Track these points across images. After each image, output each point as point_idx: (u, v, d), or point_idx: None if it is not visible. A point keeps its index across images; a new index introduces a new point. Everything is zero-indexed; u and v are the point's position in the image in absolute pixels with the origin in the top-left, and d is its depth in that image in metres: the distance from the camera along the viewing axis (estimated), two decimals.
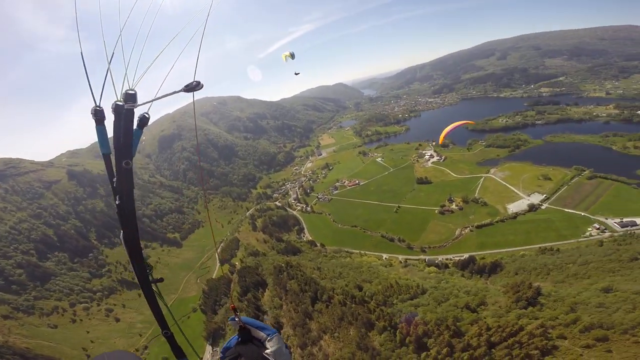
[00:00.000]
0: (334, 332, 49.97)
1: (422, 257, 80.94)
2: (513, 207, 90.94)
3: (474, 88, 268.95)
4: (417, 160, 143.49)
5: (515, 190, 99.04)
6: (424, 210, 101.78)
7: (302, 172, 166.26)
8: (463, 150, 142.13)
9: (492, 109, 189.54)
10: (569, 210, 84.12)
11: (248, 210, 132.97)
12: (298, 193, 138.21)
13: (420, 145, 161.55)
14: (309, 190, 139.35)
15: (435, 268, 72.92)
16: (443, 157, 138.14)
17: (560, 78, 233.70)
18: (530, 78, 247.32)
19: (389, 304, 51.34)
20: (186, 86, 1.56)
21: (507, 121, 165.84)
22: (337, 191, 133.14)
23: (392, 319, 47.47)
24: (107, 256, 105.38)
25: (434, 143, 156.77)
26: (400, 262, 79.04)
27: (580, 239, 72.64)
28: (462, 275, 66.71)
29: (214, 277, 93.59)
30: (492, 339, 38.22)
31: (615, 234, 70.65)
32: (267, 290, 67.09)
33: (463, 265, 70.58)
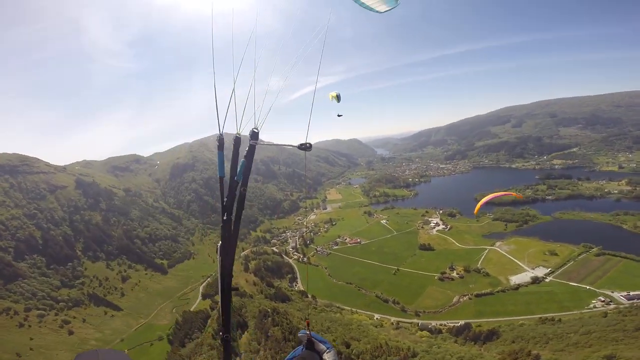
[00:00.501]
0: None
1: (415, 320, 78.23)
2: (516, 279, 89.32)
3: (486, 156, 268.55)
4: (422, 227, 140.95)
5: (520, 264, 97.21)
6: (423, 275, 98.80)
7: (305, 223, 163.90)
8: (470, 221, 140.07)
9: (504, 181, 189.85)
10: (574, 284, 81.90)
11: (244, 251, 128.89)
12: (297, 242, 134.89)
13: (427, 212, 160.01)
14: (308, 242, 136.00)
15: (427, 332, 70.24)
16: (449, 226, 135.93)
17: (574, 149, 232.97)
18: (544, 148, 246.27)
19: None
20: (301, 144, 1.73)
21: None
22: (337, 246, 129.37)
23: None
24: (87, 269, 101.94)
25: (440, 211, 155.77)
26: (392, 323, 76.10)
27: (583, 310, 70.16)
28: (456, 342, 63.35)
29: (192, 309, 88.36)
30: None
31: (621, 306, 67.91)
32: (246, 332, 62.09)
33: (457, 332, 67.41)
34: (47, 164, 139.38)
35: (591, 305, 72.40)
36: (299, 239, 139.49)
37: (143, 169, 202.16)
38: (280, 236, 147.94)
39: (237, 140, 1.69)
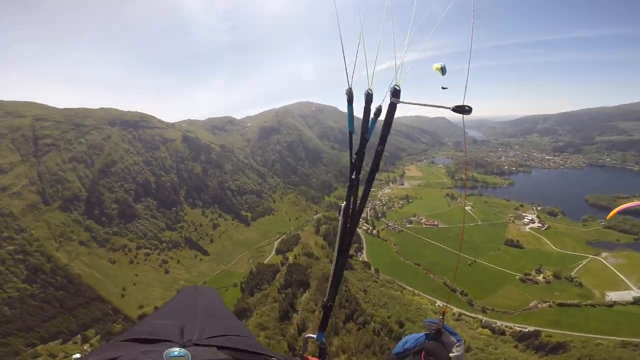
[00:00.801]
0: (353, 357, 47.59)
1: (479, 316, 73.67)
2: (613, 296, 76.69)
3: (609, 154, 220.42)
4: (513, 221, 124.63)
5: (625, 280, 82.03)
6: (502, 272, 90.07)
7: (378, 196, 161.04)
8: (574, 224, 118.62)
9: (628, 185, 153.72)
10: None
11: (317, 214, 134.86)
12: (368, 214, 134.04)
13: (521, 206, 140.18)
14: (380, 215, 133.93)
15: (489, 331, 66.24)
16: (546, 226, 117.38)
17: None
18: None
19: None
20: (457, 106, 1.56)
21: None
22: (410, 225, 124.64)
23: None
24: (186, 214, 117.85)
25: (539, 208, 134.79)
26: (454, 314, 72.48)
27: None
28: (516, 347, 59.50)
29: (265, 262, 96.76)
30: None
31: None
32: (307, 292, 66.62)
33: (522, 337, 63.10)
34: (160, 121, 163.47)
35: None
36: (370, 210, 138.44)
37: (236, 129, 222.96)
38: None
39: (369, 96, 1.61)
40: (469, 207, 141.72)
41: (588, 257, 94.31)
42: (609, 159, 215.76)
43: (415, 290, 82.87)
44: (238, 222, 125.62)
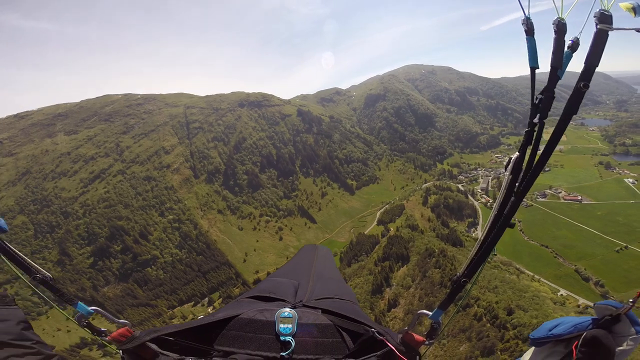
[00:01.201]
0: (445, 339, 45.32)
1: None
2: None
3: None
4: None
5: None
6: None
7: (504, 163, 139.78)
8: None
9: None
10: None
11: (425, 183, 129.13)
12: (490, 184, 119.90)
13: None
14: None
15: None
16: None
17: None
18: None
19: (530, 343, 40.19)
20: None
21: None
22: (544, 199, 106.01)
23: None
24: (300, 183, 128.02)
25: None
26: (578, 306, 61.40)
27: None
28: None
29: (366, 232, 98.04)
30: None
31: None
32: (405, 266, 65.46)
33: None
34: (279, 99, 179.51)
35: None
36: (492, 180, 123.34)
37: (342, 99, 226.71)
38: (470, 173, 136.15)
39: (561, 25, 1.27)
40: (630, 180, 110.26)
41: None
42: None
43: (536, 276, 71.97)
44: (344, 190, 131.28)
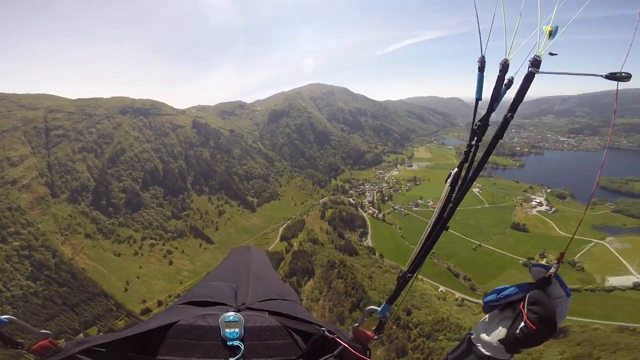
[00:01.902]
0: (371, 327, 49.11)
1: (481, 301, 72.69)
2: (614, 281, 77.21)
3: (626, 137, 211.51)
4: (521, 204, 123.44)
5: (628, 266, 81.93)
6: (506, 256, 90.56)
7: (386, 178, 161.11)
8: (582, 207, 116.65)
9: None
10: None
11: (323, 198, 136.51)
12: (375, 197, 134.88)
13: (531, 187, 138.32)
14: (386, 198, 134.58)
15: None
16: (554, 209, 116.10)
17: None
18: None
19: (432, 338, 46.84)
20: (611, 73, 1.40)
21: None
22: (417, 208, 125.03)
23: (431, 354, 43.15)
24: (193, 201, 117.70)
25: (548, 190, 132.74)
26: (456, 299, 73.52)
27: None
28: None
29: (269, 249, 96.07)
30: None
31: None
32: (311, 280, 67.80)
33: None
34: (171, 108, 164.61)
35: None
36: (377, 193, 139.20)
37: (245, 113, 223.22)
38: (359, 188, 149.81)
39: (505, 65, 1.55)
40: (477, 189, 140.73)
41: (592, 242, 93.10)
42: (626, 142, 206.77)
43: (419, 276, 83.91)
44: (244, 208, 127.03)
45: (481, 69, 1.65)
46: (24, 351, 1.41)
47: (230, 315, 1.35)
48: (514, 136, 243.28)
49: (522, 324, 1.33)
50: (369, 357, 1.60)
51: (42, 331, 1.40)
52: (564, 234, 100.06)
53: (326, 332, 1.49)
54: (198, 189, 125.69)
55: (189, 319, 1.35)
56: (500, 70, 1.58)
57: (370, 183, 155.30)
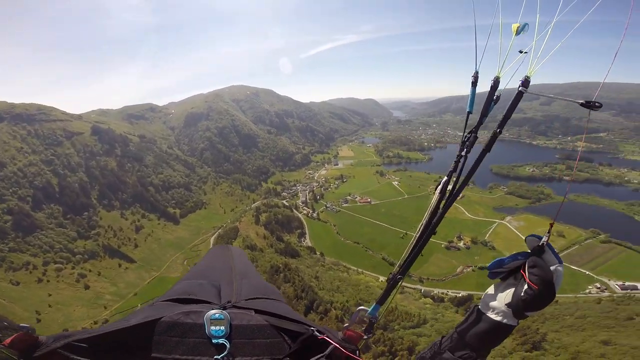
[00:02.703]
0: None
1: (418, 286, 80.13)
2: None
3: (507, 130, 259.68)
4: (434, 192, 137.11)
5: None
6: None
7: (316, 178, 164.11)
8: (482, 192, 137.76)
9: (522, 156, 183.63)
10: (575, 268, 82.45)
11: (254, 202, 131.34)
12: (307, 197, 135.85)
13: (440, 177, 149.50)
14: (318, 197, 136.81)
15: (430, 300, 72.16)
16: (461, 195, 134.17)
17: (602, 134, 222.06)
18: (570, 129, 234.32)
19: (389, 329, 48.64)
20: (586, 102, 1.59)
21: (533, 171, 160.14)
22: (347, 204, 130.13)
23: (393, 345, 44.52)
24: (102, 218, 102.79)
25: (454, 179, 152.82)
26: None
27: (579, 294, 72.51)
28: (457, 312, 65.07)
29: None
30: None
31: (615, 295, 71.14)
32: None
33: (459, 302, 69.08)
34: (64, 113, 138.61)
35: (587, 290, 74.45)
36: (309, 193, 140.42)
37: (158, 117, 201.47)
38: (291, 189, 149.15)
39: (497, 82, 1.69)
40: (396, 182, 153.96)
41: (496, 222, 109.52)
42: (507, 134, 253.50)
43: (359, 269, 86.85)
44: (165, 220, 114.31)
45: (474, 83, 1.80)
46: (0, 345, 1.28)
47: (216, 312, 1.32)
48: (422, 133, 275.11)
49: (526, 286, 1.43)
50: (359, 357, 1.57)
51: (21, 324, 1.28)
52: (472, 217, 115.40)
53: (315, 332, 1.45)
54: (106, 204, 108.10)
55: (172, 315, 1.31)
56: (491, 87, 1.71)
57: (301, 183, 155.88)
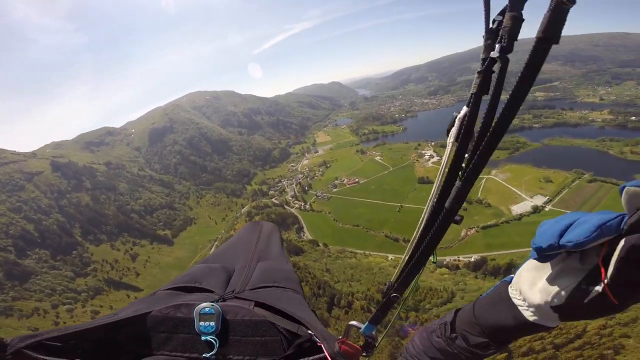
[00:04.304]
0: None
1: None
2: (517, 209, 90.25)
3: (468, 90, 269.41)
4: (417, 160, 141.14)
5: (518, 192, 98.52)
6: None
7: (299, 169, 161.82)
8: None
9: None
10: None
11: (243, 207, 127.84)
12: (295, 190, 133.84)
13: (419, 145, 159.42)
14: (306, 188, 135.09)
15: (446, 269, 70.78)
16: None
17: (555, 83, 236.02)
18: None
19: (421, 310, 47.82)
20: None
21: None
22: (336, 189, 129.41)
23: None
24: (92, 254, 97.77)
25: (433, 143, 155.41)
26: None
27: None
28: (476, 277, 64.12)
29: None
30: (557, 340, 34.46)
31: None
32: None
33: (475, 267, 68.15)
34: (14, 152, 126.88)
35: None
36: (296, 186, 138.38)
37: (118, 140, 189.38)
38: (277, 186, 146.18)
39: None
40: (378, 157, 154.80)
41: (484, 177, 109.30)
42: (468, 94, 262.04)
43: (365, 252, 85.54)
44: (158, 244, 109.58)
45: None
46: None
47: (206, 306, 1.21)
48: (390, 106, 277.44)
49: (600, 287, 0.73)
50: None
51: None
52: None
53: (314, 337, 1.30)
54: (93, 240, 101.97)
55: (162, 309, 1.23)
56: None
57: (286, 178, 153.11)
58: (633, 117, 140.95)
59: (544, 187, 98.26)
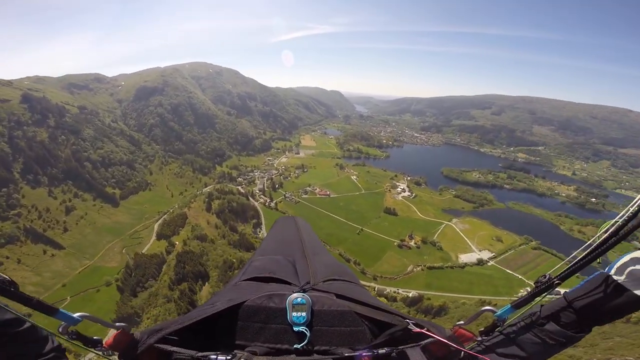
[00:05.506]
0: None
1: (372, 284, 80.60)
2: (464, 258, 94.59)
3: (460, 135, 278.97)
4: (390, 190, 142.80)
5: (470, 244, 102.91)
6: (384, 239, 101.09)
7: (275, 165, 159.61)
8: (433, 193, 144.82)
9: (470, 162, 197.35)
10: (510, 271, 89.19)
11: (206, 187, 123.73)
12: (265, 185, 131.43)
13: (396, 176, 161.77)
14: (277, 186, 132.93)
15: (385, 299, 71.38)
16: (414, 194, 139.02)
17: (540, 147, 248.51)
18: (513, 140, 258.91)
19: None
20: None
21: (479, 177, 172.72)
22: (306, 195, 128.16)
23: None
24: (24, 196, 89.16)
25: (408, 178, 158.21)
26: None
27: (513, 297, 76.77)
28: (409, 312, 65.32)
29: (144, 251, 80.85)
30: None
31: None
32: (207, 284, 59.71)
33: (411, 303, 70.28)
34: None
35: (519, 294, 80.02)
36: (267, 181, 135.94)
37: (105, 88, 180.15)
38: (248, 175, 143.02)
39: None
40: (354, 177, 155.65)
41: (444, 223, 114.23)
42: (459, 139, 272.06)
43: None
44: (102, 201, 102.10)
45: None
46: (102, 349, 1.26)
47: (298, 297, 1.25)
48: (382, 130, 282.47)
49: None
50: (462, 358, 1.37)
51: (118, 324, 1.26)
52: (423, 217, 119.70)
53: (411, 324, 1.32)
54: (32, 180, 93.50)
55: (255, 299, 1.26)
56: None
57: (259, 170, 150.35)
58: (593, 199, 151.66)
59: (494, 244, 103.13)
